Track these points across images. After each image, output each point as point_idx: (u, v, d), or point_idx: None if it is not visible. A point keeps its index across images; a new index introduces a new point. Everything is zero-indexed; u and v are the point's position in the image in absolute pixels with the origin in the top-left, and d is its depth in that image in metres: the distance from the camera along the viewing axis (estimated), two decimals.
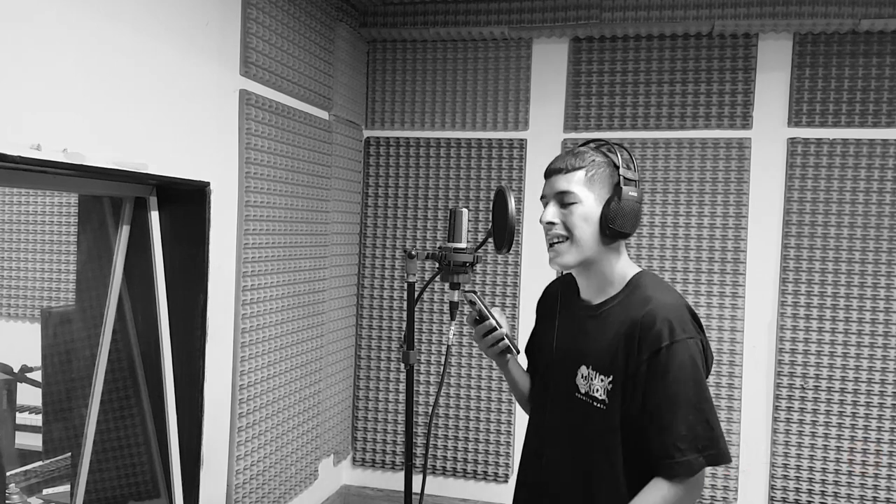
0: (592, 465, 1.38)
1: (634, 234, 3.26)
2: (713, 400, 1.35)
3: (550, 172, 1.45)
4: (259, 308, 2.64)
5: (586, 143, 1.51)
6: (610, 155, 1.43)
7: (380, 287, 3.58)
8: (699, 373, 1.31)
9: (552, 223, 1.42)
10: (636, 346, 1.33)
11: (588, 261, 1.43)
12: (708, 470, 3.17)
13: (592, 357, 1.41)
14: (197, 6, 2.26)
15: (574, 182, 1.40)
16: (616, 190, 1.38)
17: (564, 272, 1.58)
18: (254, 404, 2.64)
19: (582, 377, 1.42)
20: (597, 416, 1.37)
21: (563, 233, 1.41)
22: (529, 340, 1.68)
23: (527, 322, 3.42)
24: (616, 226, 1.37)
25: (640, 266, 1.49)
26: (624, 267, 1.44)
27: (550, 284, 1.70)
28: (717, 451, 1.28)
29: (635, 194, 1.39)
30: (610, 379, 1.36)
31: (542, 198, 1.48)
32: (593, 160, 1.41)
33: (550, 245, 1.44)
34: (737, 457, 3.20)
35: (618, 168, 1.40)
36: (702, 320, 3.19)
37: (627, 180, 1.39)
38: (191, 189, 2.30)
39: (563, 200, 1.41)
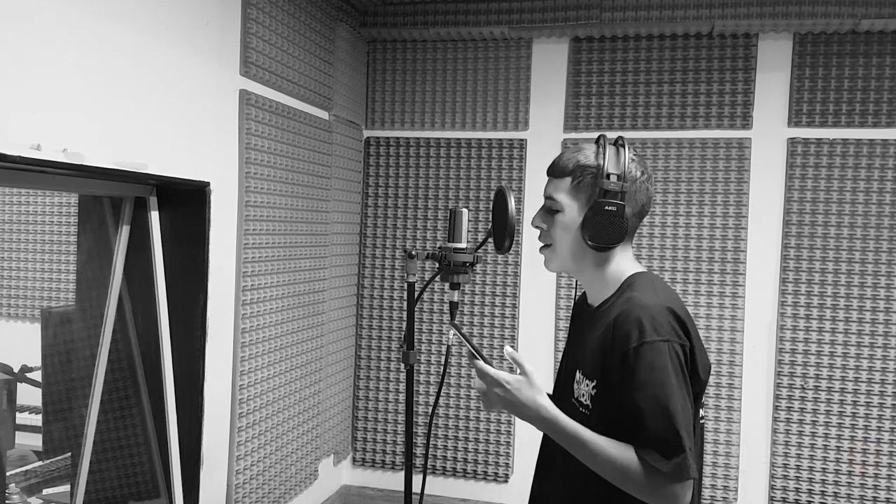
0: (582, 472, 1.31)
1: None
2: (690, 407, 1.25)
3: (547, 172, 1.45)
4: (259, 308, 2.64)
5: (599, 138, 1.43)
6: (600, 161, 1.36)
7: (380, 287, 3.58)
8: (669, 377, 1.22)
9: (538, 227, 1.43)
10: (610, 347, 1.29)
11: (575, 267, 1.43)
12: (708, 470, 3.18)
13: (582, 361, 1.39)
14: (197, 6, 2.26)
15: (560, 189, 1.39)
16: (594, 202, 1.34)
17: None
18: (254, 404, 2.64)
19: (576, 381, 1.40)
20: (581, 422, 1.31)
21: (547, 240, 1.43)
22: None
23: (527, 322, 3.42)
24: (592, 240, 1.35)
25: (642, 266, 1.45)
26: (621, 268, 1.40)
27: (579, 296, 1.64)
28: (682, 462, 1.19)
29: (613, 208, 1.33)
30: (594, 384, 1.33)
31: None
32: (583, 166, 1.37)
33: (540, 248, 1.46)
34: (737, 457, 3.20)
35: (605, 177, 1.34)
36: (701, 321, 3.20)
37: (608, 192, 1.33)
38: (191, 189, 2.30)
39: (550, 207, 1.41)
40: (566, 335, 1.68)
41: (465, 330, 3.49)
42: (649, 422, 1.21)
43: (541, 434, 1.52)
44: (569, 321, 1.69)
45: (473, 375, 1.50)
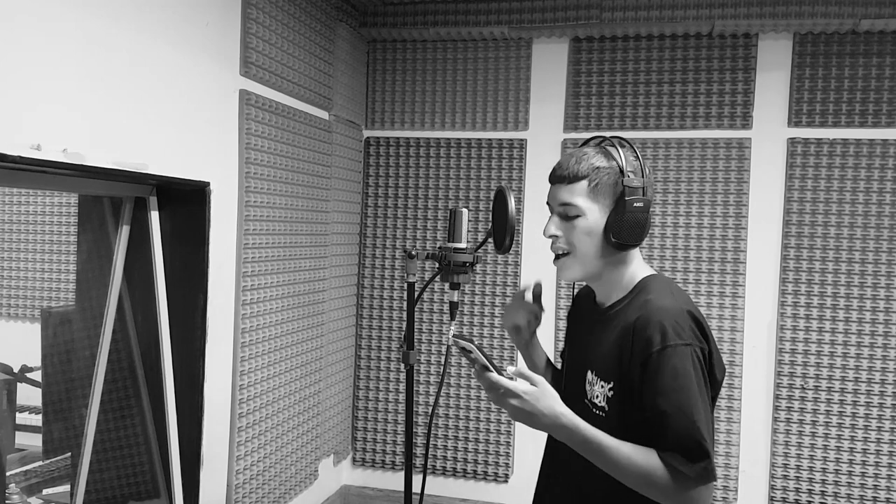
0: (594, 472, 1.31)
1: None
2: (710, 410, 1.26)
3: (554, 179, 1.40)
4: (259, 308, 2.64)
5: (591, 140, 1.45)
6: (615, 158, 1.35)
7: (380, 287, 3.58)
8: (692, 382, 1.23)
9: (555, 236, 1.38)
10: (629, 351, 1.28)
11: (594, 272, 1.39)
12: None
13: (595, 362, 1.38)
14: (197, 6, 2.26)
15: (577, 194, 1.35)
16: (620, 201, 1.32)
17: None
18: (254, 404, 2.64)
19: (588, 382, 1.39)
20: (596, 424, 1.30)
21: (565, 247, 1.38)
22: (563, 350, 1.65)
23: None
24: (621, 239, 1.33)
25: (652, 268, 1.44)
26: (634, 270, 1.39)
27: (578, 292, 1.64)
28: (707, 466, 1.21)
29: (641, 204, 1.32)
30: (610, 385, 1.32)
31: (547, 203, 1.43)
32: (597, 168, 1.34)
33: (556, 258, 1.41)
34: (737, 457, 3.20)
35: (624, 174, 1.33)
36: None
37: (632, 189, 1.32)
38: (191, 189, 2.30)
39: (566, 213, 1.36)
40: (565, 332, 1.66)
41: (463, 331, 3.48)
42: (674, 426, 1.21)
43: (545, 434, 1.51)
44: (567, 318, 1.67)
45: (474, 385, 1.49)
